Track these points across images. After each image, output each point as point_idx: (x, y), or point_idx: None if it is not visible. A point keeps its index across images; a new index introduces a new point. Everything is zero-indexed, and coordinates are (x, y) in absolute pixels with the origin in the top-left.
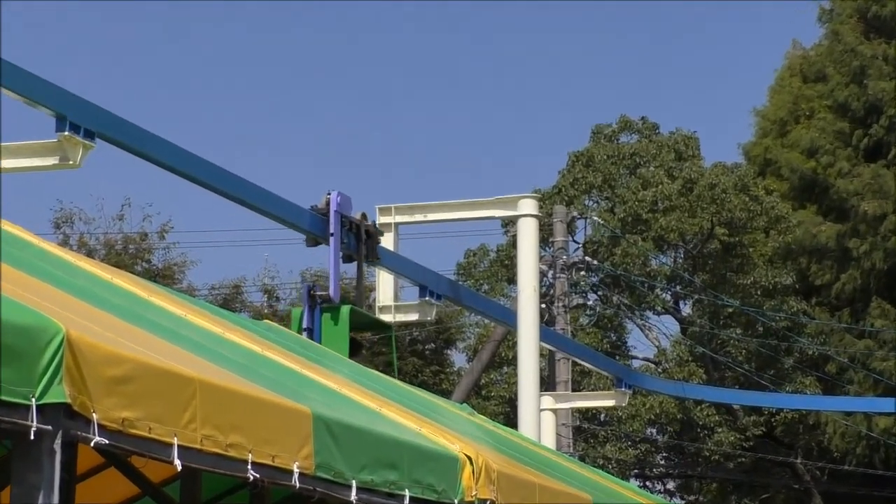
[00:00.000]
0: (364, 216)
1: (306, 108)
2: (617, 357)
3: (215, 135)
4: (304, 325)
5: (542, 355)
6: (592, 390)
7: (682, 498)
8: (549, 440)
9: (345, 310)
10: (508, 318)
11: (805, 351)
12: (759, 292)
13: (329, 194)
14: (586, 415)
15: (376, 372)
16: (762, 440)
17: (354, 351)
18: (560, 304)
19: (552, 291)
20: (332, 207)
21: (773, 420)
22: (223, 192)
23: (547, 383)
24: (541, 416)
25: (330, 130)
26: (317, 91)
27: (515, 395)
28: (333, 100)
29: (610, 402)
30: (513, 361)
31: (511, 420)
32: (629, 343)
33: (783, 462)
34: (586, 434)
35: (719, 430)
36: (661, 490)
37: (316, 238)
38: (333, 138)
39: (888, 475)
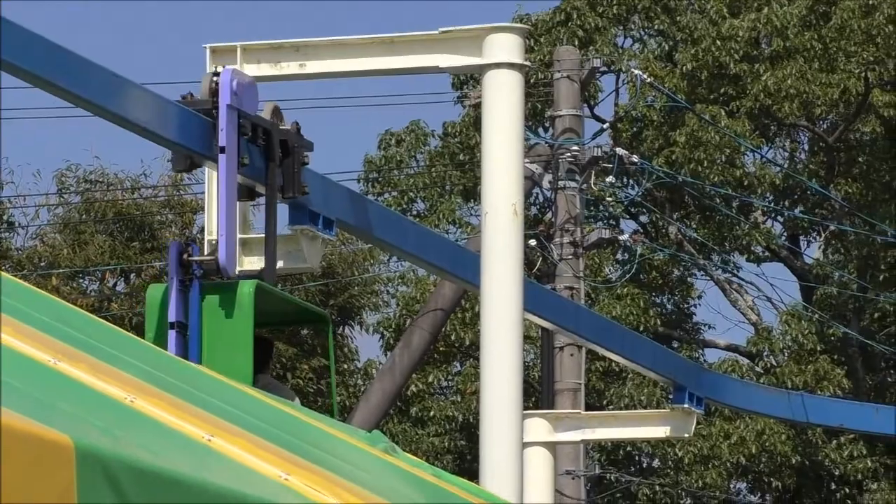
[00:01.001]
0: (277, 113)
1: None
2: (677, 344)
3: None
4: (173, 316)
5: (529, 339)
6: (628, 408)
7: None
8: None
9: (247, 288)
10: (464, 267)
11: None
12: None
13: (216, 74)
14: (616, 455)
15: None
16: None
17: (263, 356)
18: (566, 241)
19: (551, 216)
20: (223, 99)
21: None
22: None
23: (539, 394)
24: (525, 457)
25: None
26: None
27: (476, 416)
28: None
29: (662, 432)
30: (473, 351)
31: (469, 464)
32: (699, 317)
33: None
34: (615, 493)
35: (874, 486)
36: None
37: (191, 156)
38: None
39: None
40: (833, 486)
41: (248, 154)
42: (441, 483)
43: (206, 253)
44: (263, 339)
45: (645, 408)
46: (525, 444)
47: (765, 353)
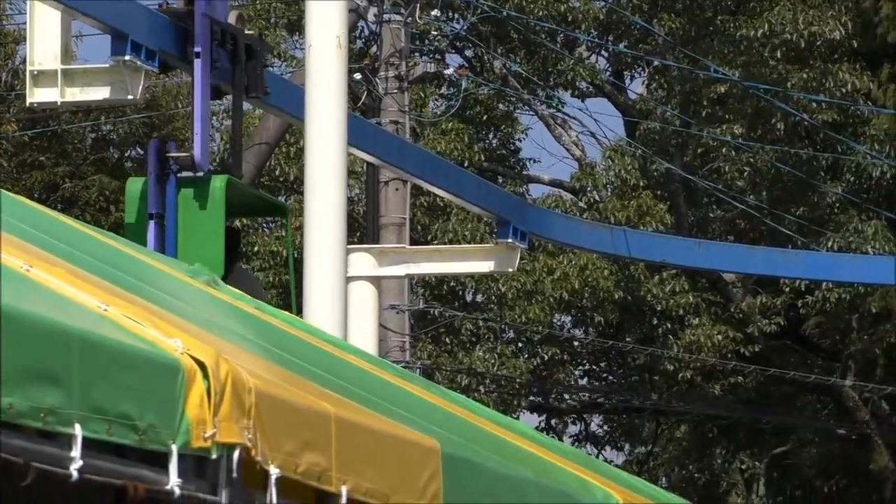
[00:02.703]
0: (241, 19)
1: None
2: (501, 180)
3: None
4: (152, 208)
5: (353, 174)
6: (452, 243)
7: (619, 448)
8: (365, 336)
9: (218, 183)
10: (288, 101)
11: (865, 170)
12: (779, 55)
13: None
14: (440, 290)
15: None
16: (779, 344)
17: (233, 245)
18: (391, 75)
19: (376, 50)
20: (199, 8)
21: (799, 305)
22: None
23: (363, 228)
24: (349, 291)
25: None
26: None
27: (301, 249)
28: None
29: (486, 267)
30: (298, 186)
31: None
32: (525, 153)
33: (818, 385)
34: (439, 328)
35: (696, 321)
36: (582, 433)
37: (166, 59)
38: None
39: None
40: (655, 321)
41: (217, 57)
42: (263, 316)
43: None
44: (232, 229)
45: (469, 243)
46: (349, 279)
47: (588, 189)
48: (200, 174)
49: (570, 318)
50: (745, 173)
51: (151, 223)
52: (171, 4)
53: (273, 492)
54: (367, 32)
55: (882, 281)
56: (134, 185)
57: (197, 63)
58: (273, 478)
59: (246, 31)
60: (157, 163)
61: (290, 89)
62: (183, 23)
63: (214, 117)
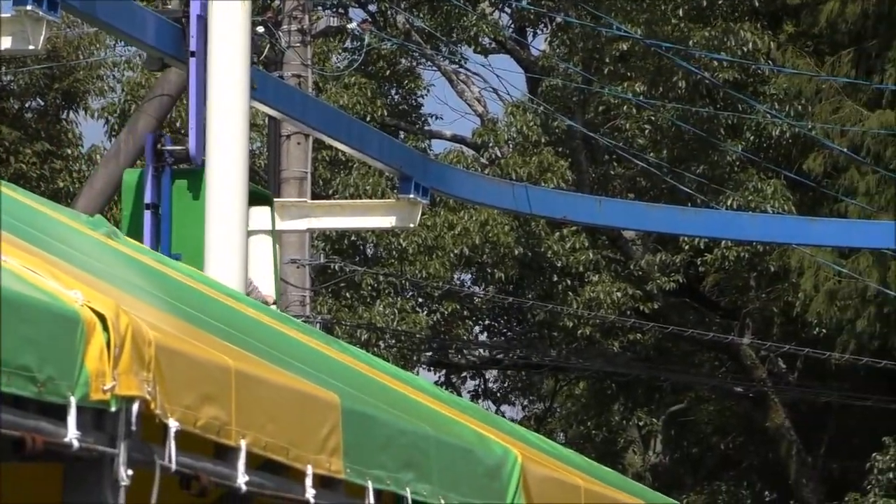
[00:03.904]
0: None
1: None
2: (403, 135)
3: None
4: (149, 198)
5: (255, 127)
6: (353, 197)
7: (513, 404)
8: (265, 290)
9: None
10: (154, 36)
11: (765, 129)
12: (681, 13)
13: None
14: (341, 245)
15: None
16: (678, 301)
17: None
18: (294, 29)
19: (278, 3)
20: (194, 10)
21: (698, 263)
22: None
23: (265, 182)
24: (250, 245)
25: None
26: None
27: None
28: None
29: (387, 222)
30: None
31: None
32: (427, 109)
33: (716, 343)
34: (339, 282)
35: (595, 278)
36: (479, 388)
37: (163, 58)
38: None
39: None
40: (555, 278)
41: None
42: (164, 269)
43: None
44: None
45: (370, 198)
46: (250, 233)
47: (490, 145)
48: (195, 167)
49: (469, 274)
50: (646, 131)
51: (147, 213)
52: (169, 8)
53: (172, 445)
54: None
55: (782, 240)
56: (130, 176)
57: (192, 62)
58: (172, 431)
59: None
60: (154, 155)
61: (156, 23)
62: (180, 25)
63: (115, 68)
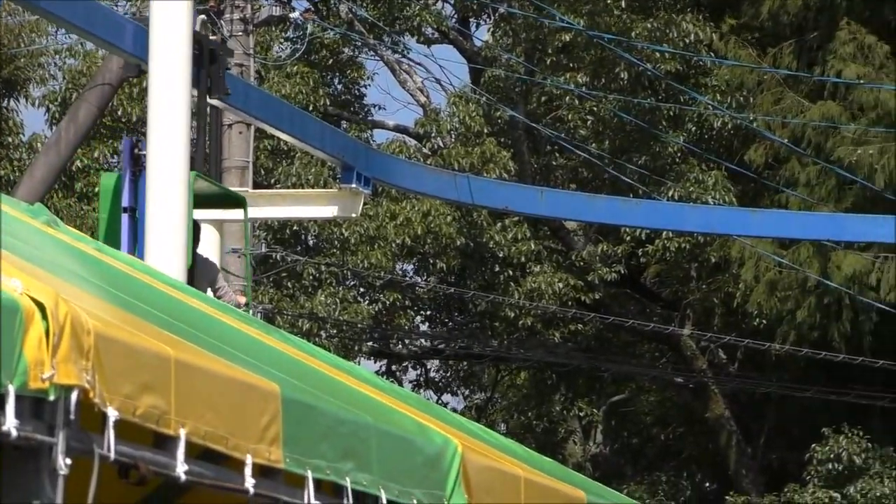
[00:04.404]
0: (206, 25)
1: None
2: (346, 125)
3: None
4: (126, 202)
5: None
6: (295, 187)
7: (454, 394)
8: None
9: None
10: (133, 42)
11: (707, 121)
12: (623, 5)
13: None
14: (282, 234)
15: None
16: (619, 292)
17: (196, 235)
18: (237, 17)
19: None
20: None
21: (639, 254)
22: None
23: (208, 171)
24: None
25: None
26: None
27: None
28: None
29: (330, 212)
30: (141, 127)
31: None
32: (370, 99)
33: (656, 334)
34: (281, 272)
35: (537, 269)
36: (421, 378)
37: (140, 65)
38: None
39: (860, 363)
40: (496, 268)
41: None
42: (104, 257)
43: None
44: (195, 222)
45: (312, 187)
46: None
47: (432, 135)
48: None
49: (412, 265)
50: (589, 122)
51: (125, 216)
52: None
53: (111, 434)
54: None
55: (723, 231)
56: (108, 180)
57: None
58: (111, 420)
59: (211, 38)
60: (131, 160)
61: (135, 30)
62: None
63: (58, 55)
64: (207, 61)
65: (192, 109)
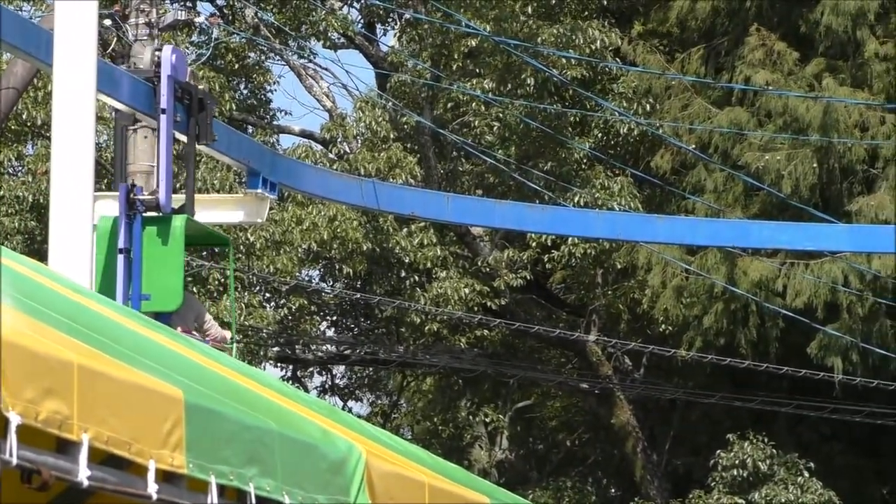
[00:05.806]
0: (194, 75)
1: None
2: (251, 130)
3: None
4: (122, 243)
5: (102, 120)
6: (201, 192)
7: (360, 400)
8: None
9: (178, 222)
10: (38, 46)
11: (613, 127)
12: (530, 10)
13: (158, 51)
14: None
15: None
16: (525, 298)
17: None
18: (142, 21)
19: None
20: (165, 70)
21: (545, 260)
22: None
23: (111, 175)
24: (95, 238)
25: None
26: None
27: (48, 196)
28: None
29: (235, 217)
30: (46, 131)
31: (40, 245)
32: (276, 104)
33: (562, 339)
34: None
35: (443, 274)
36: (326, 384)
37: (134, 114)
38: None
39: (765, 370)
40: (403, 274)
41: (179, 112)
42: (7, 262)
43: None
44: None
45: (218, 192)
46: (96, 226)
47: (339, 140)
48: (163, 215)
49: (317, 270)
50: (495, 128)
51: (120, 257)
52: (140, 68)
53: (13, 439)
54: None
55: (629, 238)
56: (104, 222)
57: (162, 118)
58: (13, 425)
59: (199, 87)
60: (126, 204)
61: (39, 34)
62: (152, 84)
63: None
64: (196, 109)
65: (178, 150)
